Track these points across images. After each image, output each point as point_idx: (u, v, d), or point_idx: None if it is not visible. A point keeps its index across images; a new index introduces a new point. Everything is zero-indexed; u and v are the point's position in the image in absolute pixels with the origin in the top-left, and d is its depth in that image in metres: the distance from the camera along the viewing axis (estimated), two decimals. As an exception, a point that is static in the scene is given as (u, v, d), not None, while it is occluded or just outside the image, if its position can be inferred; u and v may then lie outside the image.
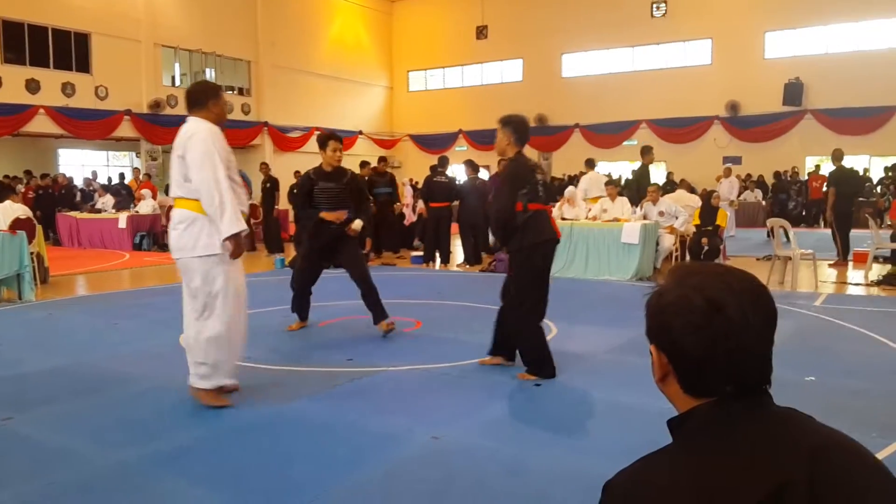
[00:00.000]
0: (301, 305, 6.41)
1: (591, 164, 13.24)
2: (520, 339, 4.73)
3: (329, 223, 6.01)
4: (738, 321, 1.01)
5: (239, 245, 4.10)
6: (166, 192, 16.71)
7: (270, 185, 14.35)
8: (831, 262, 10.97)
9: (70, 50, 18.57)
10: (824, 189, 11.26)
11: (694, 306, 1.03)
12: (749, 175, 20.19)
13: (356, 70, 27.25)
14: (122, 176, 19.62)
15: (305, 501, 2.96)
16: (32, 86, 17.60)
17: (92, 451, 3.54)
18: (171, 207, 4.43)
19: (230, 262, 4.12)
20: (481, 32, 27.05)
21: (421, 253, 12.02)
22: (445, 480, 3.17)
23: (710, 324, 1.01)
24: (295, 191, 6.92)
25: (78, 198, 18.06)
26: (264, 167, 14.58)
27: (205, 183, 3.96)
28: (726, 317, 1.01)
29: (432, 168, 12.06)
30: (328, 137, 6.13)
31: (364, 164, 13.35)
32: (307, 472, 3.24)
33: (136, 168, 18.25)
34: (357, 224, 6.13)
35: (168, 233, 4.38)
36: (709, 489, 0.93)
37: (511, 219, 4.55)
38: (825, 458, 0.94)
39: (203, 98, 4.19)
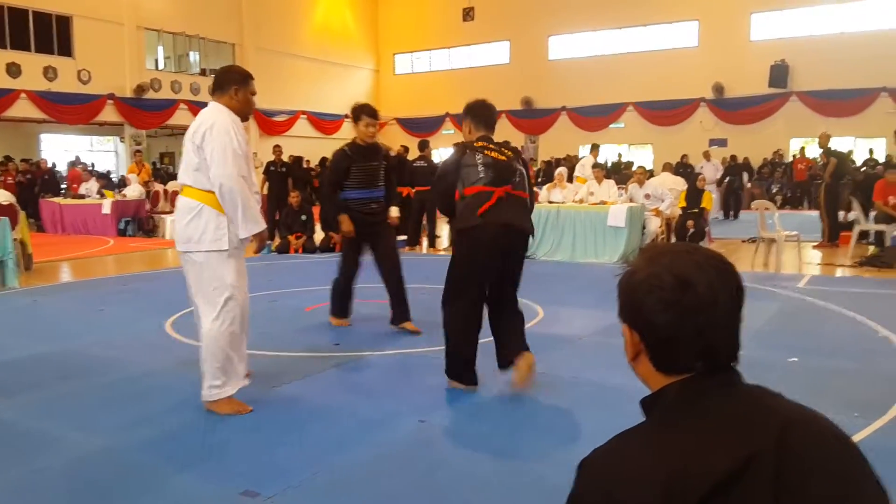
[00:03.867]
0: (343, 303, 5.86)
1: (595, 148, 13.56)
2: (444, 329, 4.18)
3: (361, 211, 5.52)
4: (707, 297, 1.04)
5: (262, 239, 3.91)
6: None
7: (285, 170, 13.83)
8: (815, 244, 11.06)
9: (52, 33, 18.32)
10: (821, 163, 11.30)
11: (664, 283, 1.06)
12: (734, 157, 20.26)
13: (342, 53, 27.06)
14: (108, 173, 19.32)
15: (292, 485, 2.97)
16: (13, 70, 17.37)
17: (78, 436, 3.53)
18: (165, 192, 4.27)
19: (238, 256, 3.88)
20: (468, 14, 26.89)
21: (405, 237, 12.02)
22: (434, 465, 3.18)
23: (679, 300, 1.04)
24: (327, 168, 6.25)
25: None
26: (277, 150, 14.13)
27: (226, 180, 3.68)
28: (695, 293, 1.04)
29: (405, 148, 12.27)
30: (361, 110, 5.58)
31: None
32: (294, 457, 3.25)
33: (137, 151, 17.87)
34: (395, 212, 5.78)
35: (173, 221, 4.20)
36: (681, 463, 0.95)
37: (445, 209, 4.30)
38: (793, 433, 0.97)
39: (226, 83, 3.90)
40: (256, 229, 3.81)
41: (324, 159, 21.21)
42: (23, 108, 17.55)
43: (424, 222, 11.97)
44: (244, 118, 3.98)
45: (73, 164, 19.64)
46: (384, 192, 5.68)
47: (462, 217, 4.00)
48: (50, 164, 19.16)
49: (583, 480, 1.04)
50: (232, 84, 3.89)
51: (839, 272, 8.87)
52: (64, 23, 18.54)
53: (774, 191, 20.20)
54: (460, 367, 4.12)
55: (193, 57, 22.22)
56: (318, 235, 11.52)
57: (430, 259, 10.80)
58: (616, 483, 0.99)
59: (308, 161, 19.39)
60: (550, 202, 11.00)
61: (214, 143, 3.71)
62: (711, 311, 1.04)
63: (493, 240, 3.93)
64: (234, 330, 3.81)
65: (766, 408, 1.02)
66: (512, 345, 4.12)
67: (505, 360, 4.15)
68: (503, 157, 4.03)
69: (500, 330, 4.19)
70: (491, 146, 4.07)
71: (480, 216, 3.90)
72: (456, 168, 4.06)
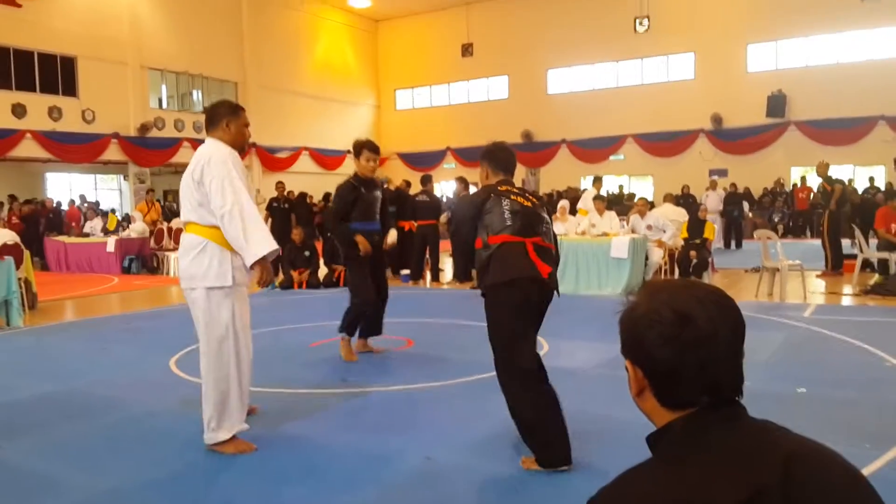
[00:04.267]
0: (376, 323, 6.02)
1: (598, 181, 13.54)
2: (512, 412, 3.60)
3: (372, 234, 5.75)
4: (707, 331, 1.05)
5: (267, 270, 3.77)
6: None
7: (288, 207, 13.94)
8: (819, 273, 11.04)
9: (56, 74, 18.56)
10: (821, 191, 11.31)
11: (664, 318, 1.07)
12: (734, 185, 20.35)
13: (343, 89, 27.35)
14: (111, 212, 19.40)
15: (300, 525, 2.94)
16: (19, 110, 17.56)
17: (82, 479, 3.51)
18: (169, 229, 4.31)
19: (241, 296, 3.83)
20: (467, 50, 27.22)
21: (409, 271, 12.03)
22: (440, 502, 3.15)
23: (679, 335, 1.05)
24: (331, 201, 6.35)
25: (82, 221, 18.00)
26: (280, 186, 14.29)
27: (228, 207, 3.65)
28: (695, 327, 1.05)
29: (406, 183, 12.32)
30: (362, 146, 5.82)
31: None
32: (300, 495, 3.22)
33: (150, 190, 17.98)
34: (392, 237, 6.01)
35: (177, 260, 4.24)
36: (687, 498, 0.96)
37: (466, 256, 4.08)
38: (799, 465, 0.97)
39: (217, 117, 3.93)
40: (267, 247, 3.71)
41: (327, 195, 21.31)
42: (28, 148, 17.71)
43: (428, 256, 11.98)
44: (240, 150, 4.00)
45: (73, 202, 19.72)
46: (380, 224, 5.93)
47: (495, 270, 3.58)
48: (55, 203, 19.27)
49: None
50: (223, 117, 3.93)
51: (844, 301, 8.85)
52: (68, 63, 18.80)
53: (776, 220, 20.25)
54: (561, 449, 3.49)
55: (196, 95, 22.47)
56: (322, 271, 11.53)
57: (433, 293, 10.80)
58: None
59: (311, 197, 19.47)
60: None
61: (213, 175, 3.70)
62: (712, 346, 1.05)
63: (532, 295, 3.57)
64: (229, 372, 3.77)
65: (771, 441, 1.02)
66: None
67: None
68: (529, 204, 3.70)
69: None
70: (515, 191, 3.75)
71: (519, 268, 3.54)
72: (477, 213, 3.70)
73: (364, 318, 5.88)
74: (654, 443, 1.11)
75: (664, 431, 1.09)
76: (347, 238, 5.71)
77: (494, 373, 3.64)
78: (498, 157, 3.94)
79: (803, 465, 0.97)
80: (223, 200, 3.65)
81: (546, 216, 3.82)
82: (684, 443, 1.05)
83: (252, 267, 3.72)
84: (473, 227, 3.71)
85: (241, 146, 4.00)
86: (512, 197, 3.69)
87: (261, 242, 3.69)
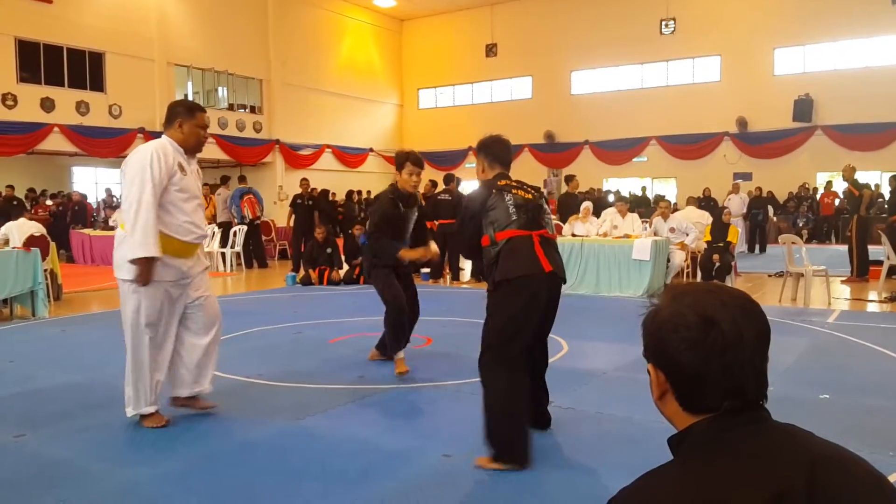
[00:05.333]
0: (408, 333, 5.55)
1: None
2: (486, 400, 3.55)
3: (401, 243, 5.42)
4: (732, 335, 1.04)
5: (146, 271, 3.81)
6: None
7: (311, 203, 13.98)
8: (844, 279, 10.89)
9: (84, 69, 18.76)
10: (854, 193, 11.15)
11: (688, 322, 1.06)
12: (759, 189, 20.12)
13: (366, 88, 27.41)
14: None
15: (316, 520, 2.95)
16: (47, 104, 17.78)
17: (102, 468, 3.54)
18: None
19: (154, 291, 3.94)
20: (491, 50, 27.18)
21: (429, 270, 12.04)
22: (457, 500, 3.15)
23: (704, 339, 1.04)
24: (369, 214, 5.98)
25: (103, 215, 18.29)
26: (305, 183, 14.33)
27: (127, 201, 3.82)
28: (720, 331, 1.04)
29: (432, 182, 12.43)
30: (406, 158, 5.31)
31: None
32: (317, 490, 3.23)
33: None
34: (434, 247, 5.65)
35: None
36: (709, 500, 0.95)
37: (471, 253, 3.93)
38: (824, 469, 0.96)
39: (172, 116, 4.03)
40: (140, 253, 3.76)
41: (349, 193, 21.39)
42: (55, 142, 17.93)
43: (448, 256, 11.98)
44: (192, 151, 4.06)
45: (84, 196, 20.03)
46: (416, 239, 5.56)
47: (504, 266, 3.53)
48: (80, 196, 19.50)
49: None
50: (177, 117, 4.00)
51: (870, 307, 8.72)
52: (96, 59, 19.00)
53: (801, 224, 20.00)
54: (519, 451, 3.47)
55: (222, 92, 22.61)
56: (344, 268, 11.57)
57: (453, 292, 10.79)
58: None
59: (334, 194, 19.53)
60: (574, 235, 10.97)
61: (128, 171, 3.85)
62: (737, 350, 1.04)
63: (540, 291, 3.55)
64: (142, 359, 4.03)
65: (795, 445, 1.01)
66: (545, 403, 4.04)
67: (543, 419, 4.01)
68: (530, 196, 3.69)
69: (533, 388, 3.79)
70: (514, 184, 3.73)
71: (527, 265, 3.52)
72: (481, 210, 3.66)
73: (402, 326, 5.40)
74: (675, 445, 1.10)
75: (686, 434, 1.08)
76: (390, 254, 5.31)
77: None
78: (494, 150, 3.90)
79: (829, 470, 0.96)
80: (127, 196, 3.84)
81: (546, 206, 3.82)
82: (706, 446, 1.04)
83: (133, 262, 3.82)
84: (477, 225, 3.67)
85: (193, 147, 4.06)
86: (513, 191, 3.67)
87: (138, 245, 3.77)
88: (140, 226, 3.76)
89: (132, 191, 3.79)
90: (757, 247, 17.32)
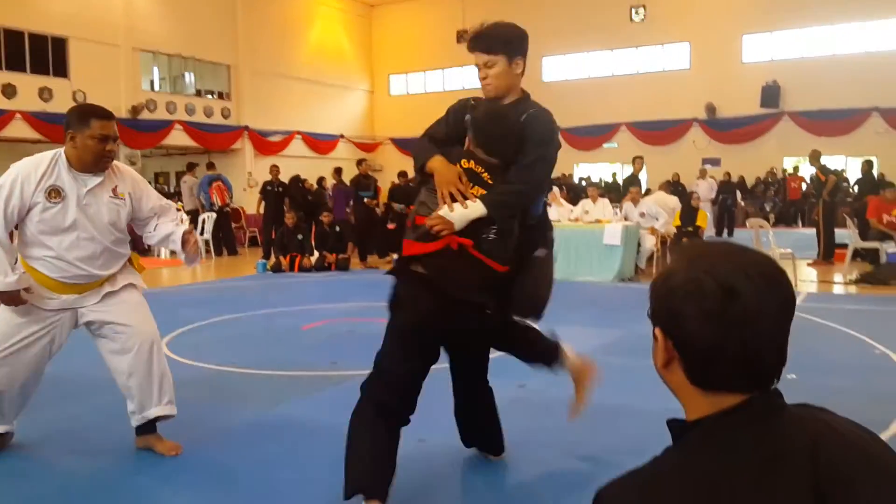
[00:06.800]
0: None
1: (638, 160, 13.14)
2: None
3: None
4: (754, 308, 0.94)
5: (7, 299, 3.17)
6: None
7: (281, 190, 13.89)
8: (810, 262, 11.09)
9: (47, 54, 18.34)
10: (820, 178, 11.33)
11: (706, 291, 0.95)
12: (728, 174, 20.38)
13: (337, 74, 27.17)
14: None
15: (291, 506, 2.94)
16: (9, 91, 17.37)
17: (74, 460, 3.50)
18: None
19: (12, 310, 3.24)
20: (462, 36, 27.06)
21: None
22: (432, 484, 3.16)
23: (724, 311, 0.94)
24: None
25: None
26: (274, 169, 14.23)
27: None
28: (742, 304, 0.94)
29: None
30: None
31: (360, 162, 13.34)
32: (292, 478, 3.22)
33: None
34: None
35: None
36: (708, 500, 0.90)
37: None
38: (830, 464, 0.91)
39: (65, 126, 3.29)
40: None
41: (320, 179, 21.25)
42: (18, 129, 17.53)
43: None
44: (90, 169, 3.24)
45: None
46: None
47: (550, 237, 3.35)
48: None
49: None
50: (68, 128, 3.24)
51: (836, 289, 8.89)
52: (59, 44, 18.59)
53: (768, 209, 20.30)
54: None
55: (189, 78, 22.27)
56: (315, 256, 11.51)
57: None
58: None
59: (305, 180, 19.41)
60: (546, 221, 11.02)
61: None
62: (758, 325, 0.95)
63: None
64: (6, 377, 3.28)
65: (803, 438, 0.94)
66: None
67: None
68: None
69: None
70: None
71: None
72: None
73: None
74: (677, 433, 1.02)
75: (693, 427, 1.00)
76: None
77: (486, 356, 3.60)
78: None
79: (836, 466, 0.91)
80: None
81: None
82: (713, 443, 0.96)
83: None
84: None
85: (91, 165, 3.23)
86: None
87: None
88: None
89: None
90: (725, 231, 17.56)
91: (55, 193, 3.17)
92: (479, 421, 3.34)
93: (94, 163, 3.23)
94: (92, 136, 3.18)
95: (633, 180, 11.82)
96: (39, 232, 3.19)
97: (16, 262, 3.20)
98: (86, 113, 3.27)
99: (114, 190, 3.36)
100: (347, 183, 13.37)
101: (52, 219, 3.18)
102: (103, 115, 3.27)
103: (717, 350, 0.96)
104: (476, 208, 2.64)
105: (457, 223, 2.61)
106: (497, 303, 2.83)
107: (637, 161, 12.65)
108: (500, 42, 3.07)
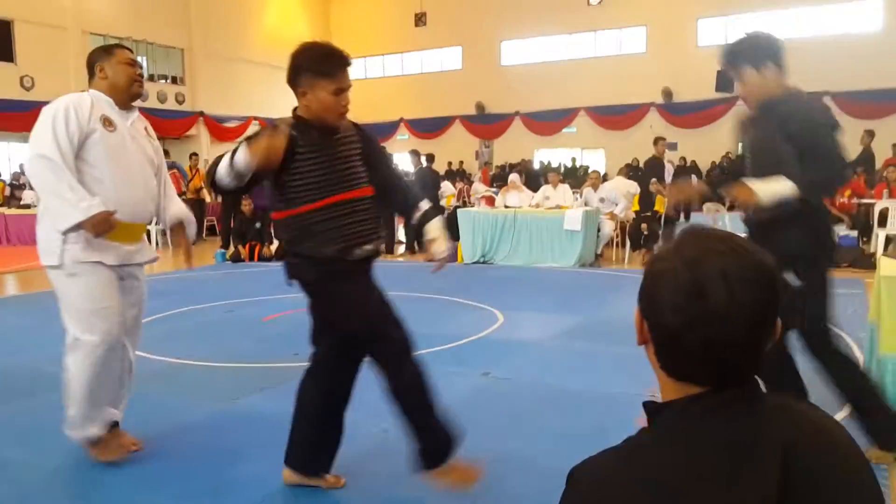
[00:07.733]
0: None
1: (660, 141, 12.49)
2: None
3: None
4: (721, 311, 0.93)
5: (96, 223, 2.98)
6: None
7: None
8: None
9: (-9, 38, 17.77)
10: None
11: (679, 283, 0.96)
12: (684, 159, 20.66)
13: (294, 58, 26.83)
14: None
15: (255, 500, 2.91)
16: (-49, 76, 16.80)
17: (27, 458, 3.41)
18: None
19: (95, 276, 3.22)
20: (420, 19, 26.90)
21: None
22: (396, 473, 3.15)
23: (690, 308, 0.94)
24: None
25: (8, 192, 17.38)
26: None
27: (30, 161, 3.00)
28: (708, 306, 0.93)
29: None
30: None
31: None
32: (255, 471, 3.19)
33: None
34: None
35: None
36: (675, 491, 0.91)
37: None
38: (797, 459, 0.92)
39: (89, 66, 3.27)
40: (76, 217, 2.93)
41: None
42: (-38, 116, 17.00)
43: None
44: (127, 96, 3.25)
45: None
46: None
47: None
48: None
49: (572, 492, 1.00)
50: (94, 64, 3.24)
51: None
52: (4, 27, 18.00)
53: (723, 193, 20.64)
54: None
55: (141, 62, 21.79)
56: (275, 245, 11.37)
57: (388, 266, 10.76)
58: (604, 499, 0.96)
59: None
60: (507, 206, 11.05)
61: (36, 127, 3.03)
62: (723, 328, 0.93)
63: None
64: (95, 372, 3.21)
65: (774, 431, 0.94)
66: None
67: None
68: None
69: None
70: None
71: None
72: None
73: None
74: (651, 413, 1.03)
75: (664, 408, 1.01)
76: None
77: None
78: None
79: (803, 462, 0.91)
80: (29, 152, 3.05)
81: None
82: (679, 427, 0.97)
83: (71, 231, 3.02)
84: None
85: (125, 89, 3.23)
86: None
87: (68, 208, 2.94)
88: (55, 185, 2.93)
89: (32, 149, 3.03)
90: (682, 215, 17.81)
91: (108, 122, 3.15)
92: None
93: (128, 87, 3.25)
94: (120, 62, 3.25)
95: (654, 164, 11.13)
96: (95, 164, 3.07)
97: None
98: (108, 47, 3.35)
99: (146, 129, 3.42)
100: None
101: (112, 148, 3.12)
102: (123, 46, 3.42)
103: (678, 343, 0.97)
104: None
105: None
106: None
107: (660, 143, 11.40)
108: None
